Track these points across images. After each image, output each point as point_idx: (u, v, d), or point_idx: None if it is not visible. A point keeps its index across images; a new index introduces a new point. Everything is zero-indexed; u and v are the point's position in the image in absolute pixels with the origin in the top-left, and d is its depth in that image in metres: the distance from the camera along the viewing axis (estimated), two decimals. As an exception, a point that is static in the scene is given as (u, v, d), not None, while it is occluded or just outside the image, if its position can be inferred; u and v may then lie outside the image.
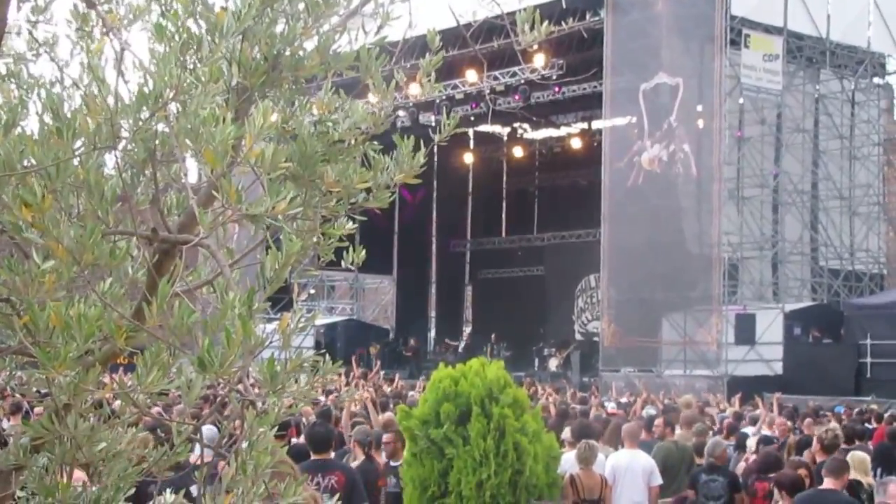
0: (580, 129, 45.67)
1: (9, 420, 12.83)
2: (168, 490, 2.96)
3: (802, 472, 10.69)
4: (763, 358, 31.17)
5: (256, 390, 2.72)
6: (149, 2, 2.96)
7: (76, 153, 2.64)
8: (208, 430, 6.41)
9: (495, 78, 37.87)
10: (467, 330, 49.18)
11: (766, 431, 16.58)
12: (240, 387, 2.68)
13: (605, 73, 34.49)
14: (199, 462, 2.85)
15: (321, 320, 40.38)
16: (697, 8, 32.16)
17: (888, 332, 29.28)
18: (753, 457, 13.71)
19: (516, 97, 37.81)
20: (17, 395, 11.54)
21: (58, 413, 2.65)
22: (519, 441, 9.39)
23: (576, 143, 45.31)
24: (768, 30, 32.96)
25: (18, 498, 2.75)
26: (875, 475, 12.26)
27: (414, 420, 9.65)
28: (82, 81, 2.86)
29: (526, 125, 46.56)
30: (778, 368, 30.91)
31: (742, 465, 13.51)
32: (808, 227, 35.37)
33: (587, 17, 34.07)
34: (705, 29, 32.16)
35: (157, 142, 2.78)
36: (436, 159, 43.24)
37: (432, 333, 50.26)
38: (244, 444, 2.69)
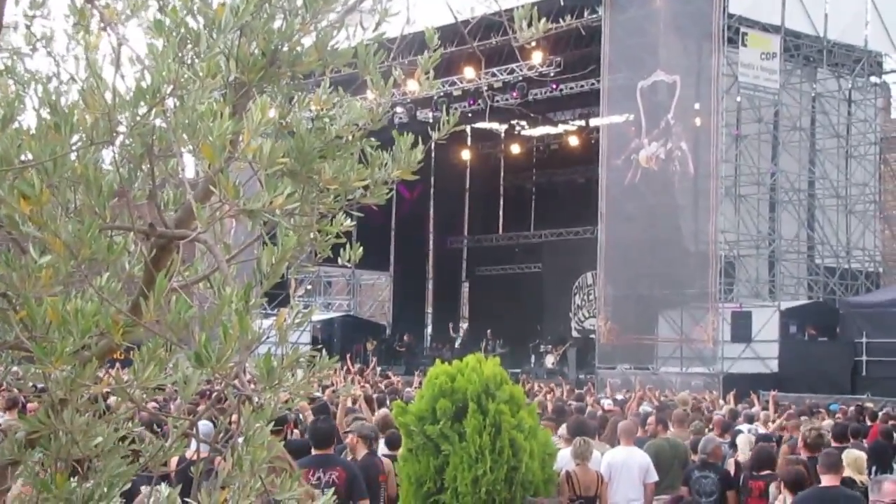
0: (578, 127, 45.71)
1: (4, 414, 12.82)
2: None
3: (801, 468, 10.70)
4: (759, 356, 31.21)
5: (253, 386, 2.72)
6: (147, -3, 2.96)
7: (73, 148, 2.64)
8: (204, 425, 6.41)
9: (493, 75, 37.88)
10: (464, 326, 49.21)
11: (761, 429, 16.61)
12: (236, 382, 2.68)
13: (603, 70, 34.48)
14: (195, 457, 2.85)
15: (318, 316, 40.41)
16: (695, 5, 32.16)
17: (884, 331, 29.34)
18: (741, 455, 13.73)
19: (514, 94, 37.80)
20: (14, 390, 11.55)
21: (54, 408, 2.65)
22: (515, 437, 9.39)
23: (573, 141, 45.32)
24: (766, 28, 32.98)
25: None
26: (870, 473, 12.27)
27: (410, 416, 9.64)
28: (79, 76, 2.85)
29: (523, 122, 46.59)
30: (774, 366, 30.94)
31: (731, 461, 13.53)
32: (805, 225, 35.39)
33: (585, 14, 34.04)
34: (703, 27, 32.16)
35: (154, 137, 2.78)
36: (433, 156, 43.25)
37: (429, 330, 50.30)
38: (240, 440, 2.69)
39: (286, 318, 2.77)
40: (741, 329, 31.44)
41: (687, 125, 33.16)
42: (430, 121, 39.18)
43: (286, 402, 2.84)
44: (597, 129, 38.97)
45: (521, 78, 37.25)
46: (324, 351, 3.06)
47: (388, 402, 16.33)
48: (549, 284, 46.02)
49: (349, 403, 15.05)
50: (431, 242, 51.26)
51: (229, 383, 2.70)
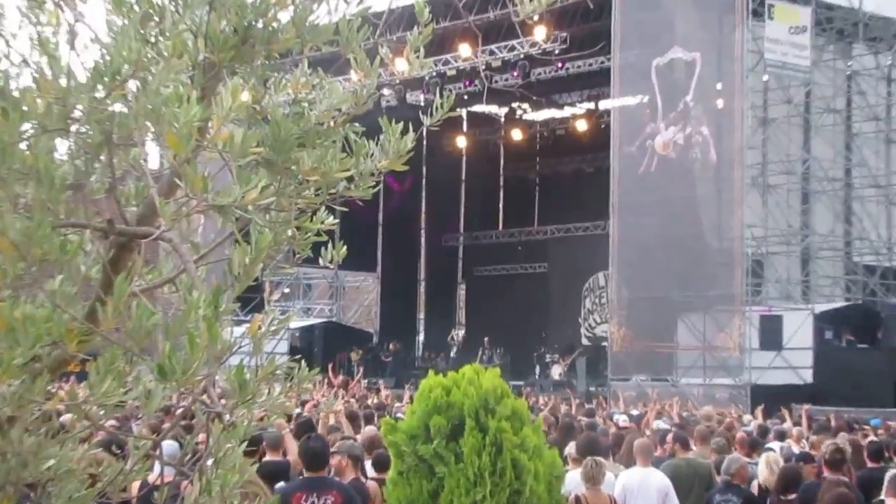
0: (586, 110, 45.70)
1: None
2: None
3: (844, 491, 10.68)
4: (791, 365, 31.21)
5: (223, 401, 2.72)
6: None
7: (24, 136, 2.64)
8: (169, 445, 6.42)
9: (491, 52, 37.87)
10: (460, 334, 49.20)
11: (794, 448, 16.60)
12: (205, 397, 2.69)
13: (614, 47, 34.46)
14: (159, 482, 2.86)
15: (296, 323, 40.35)
16: (716, -26, 32.24)
17: (930, 336, 29.40)
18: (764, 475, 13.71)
19: (514, 74, 37.79)
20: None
21: (1, 427, 2.65)
22: (518, 458, 9.39)
23: (581, 126, 45.31)
24: (795, -1, 33.02)
25: None
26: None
27: (400, 434, 9.63)
28: (32, 58, 2.85)
29: (525, 105, 46.52)
30: (807, 376, 30.95)
31: (755, 483, 13.52)
32: (841, 218, 35.42)
33: (594, -16, 34.04)
34: (725, -3, 32.22)
35: (114, 124, 2.78)
36: (425, 143, 43.22)
37: (421, 337, 50.29)
38: (210, 462, 2.70)
39: (261, 325, 2.78)
40: (771, 335, 31.43)
41: (708, 107, 33.17)
42: (422, 105, 39.23)
43: (261, 419, 2.84)
44: (607, 112, 38.96)
45: (522, 56, 37.24)
46: (303, 362, 3.06)
47: (375, 418, 16.31)
48: (555, 286, 46.03)
49: (331, 420, 15.06)
50: (423, 240, 51.24)
51: (197, 398, 2.70)
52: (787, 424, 20.42)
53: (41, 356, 2.62)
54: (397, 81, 36.95)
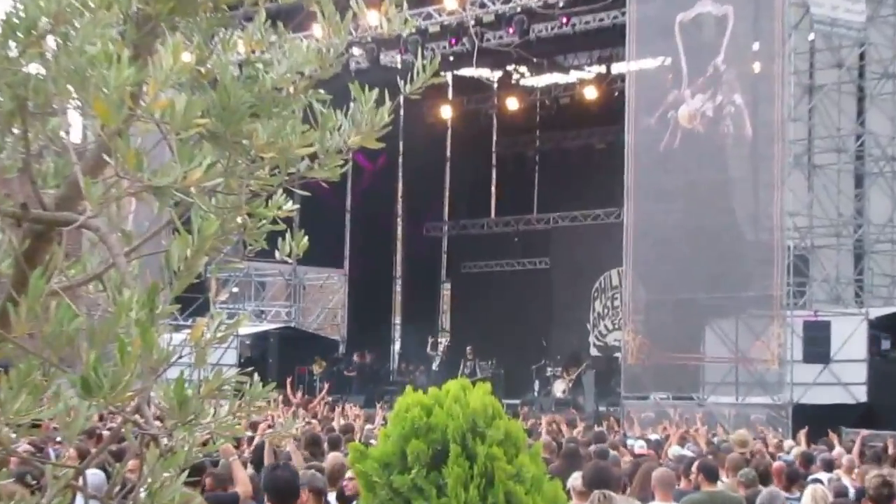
0: (596, 74, 45.70)
1: None
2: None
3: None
4: (840, 380, 31.29)
5: (160, 422, 2.73)
6: None
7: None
8: (95, 475, 6.42)
9: (482, 5, 37.85)
10: (444, 342, 49.22)
11: (845, 480, 16.64)
12: (137, 417, 2.69)
13: (630, -2, 34.55)
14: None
15: (247, 328, 40.34)
16: (753, -88, 32.27)
17: None
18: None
19: (510, 31, 37.78)
20: None
21: None
22: (512, 491, 9.41)
23: (590, 93, 45.34)
24: (848, -58, 33.06)
25: None
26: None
27: (371, 462, 9.65)
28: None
29: (523, 68, 46.51)
30: (860, 394, 31.04)
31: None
32: (902, 205, 35.49)
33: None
34: (763, -60, 32.26)
35: (29, 88, 2.78)
36: (402, 114, 43.15)
37: (396, 347, 50.30)
38: (143, 494, 2.70)
39: (205, 330, 2.78)
40: (816, 345, 31.49)
41: (742, 72, 33.20)
42: (399, 67, 39.17)
43: (205, 443, 2.85)
44: (622, 77, 38.95)
45: (519, 9, 37.22)
46: (255, 375, 3.07)
47: (341, 443, 16.31)
48: (559, 286, 46.06)
49: (286, 447, 15.05)
50: (400, 230, 51.25)
51: (128, 419, 2.71)
52: (836, 452, 20.45)
53: (-60, 367, 2.63)
54: (369, 39, 36.91)
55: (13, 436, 2.77)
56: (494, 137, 51.24)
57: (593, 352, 44.20)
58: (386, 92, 3.16)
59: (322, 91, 3.09)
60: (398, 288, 51.42)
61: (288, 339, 44.43)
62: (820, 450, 20.86)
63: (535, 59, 44.57)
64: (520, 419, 19.75)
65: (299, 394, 29.37)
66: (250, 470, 14.10)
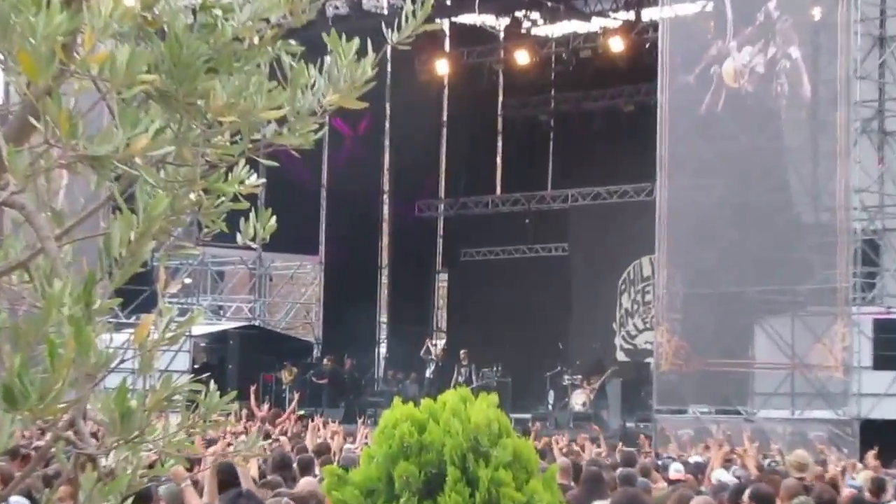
0: (623, 22, 45.72)
1: None
2: None
3: None
4: (917, 391, 31.37)
5: (97, 440, 2.74)
6: None
7: None
8: (18, 502, 6.47)
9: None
10: (439, 345, 49.22)
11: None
12: (71, 433, 2.70)
13: (665, -71, 34.57)
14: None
15: (203, 327, 40.36)
16: None
17: None
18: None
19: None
20: None
21: None
22: (522, 524, 9.45)
23: (616, 45, 45.33)
24: None
25: None
26: None
27: (351, 490, 9.69)
28: None
29: (535, 15, 46.57)
30: (942, 408, 31.10)
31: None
32: None
33: None
34: None
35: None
36: (389, 69, 43.14)
37: (382, 350, 50.30)
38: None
39: (152, 330, 2.79)
40: (889, 348, 31.51)
41: (800, 20, 33.19)
42: (385, 13, 39.17)
43: (151, 466, 2.86)
44: (654, 25, 38.98)
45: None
46: (213, 383, 3.07)
47: (315, 466, 16.33)
48: (578, 277, 46.08)
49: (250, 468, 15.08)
50: (387, 210, 51.21)
51: (60, 435, 2.72)
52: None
53: None
54: (350, -21, 36.97)
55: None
56: (500, 98, 51.20)
57: (620, 356, 44.23)
58: (369, 42, 3.17)
59: (293, 42, 3.09)
60: (384, 279, 51.41)
61: (251, 340, 44.50)
62: (893, 474, 20.89)
63: (549, 3, 44.54)
64: (531, 437, 19.81)
65: (265, 406, 29.35)
66: (206, 498, 14.14)
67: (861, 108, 32.48)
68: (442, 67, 49.48)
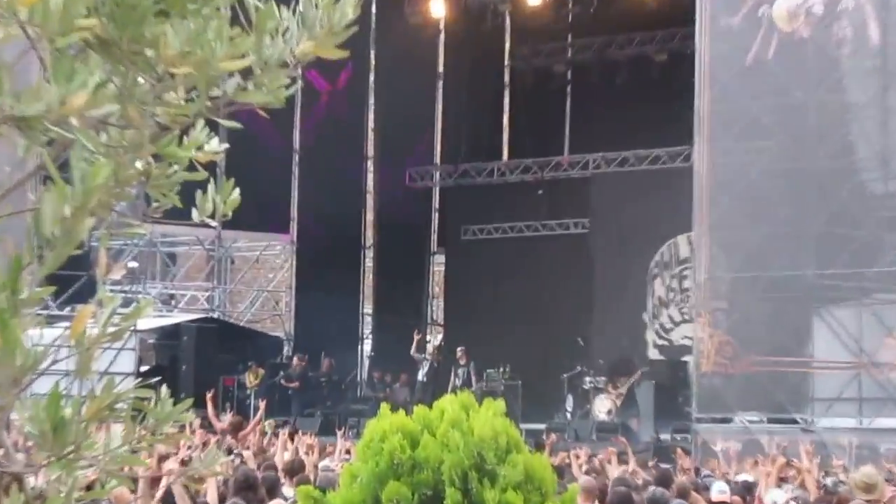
0: (655, -45, 45.85)
1: None
2: None
3: None
4: None
5: (25, 455, 2.74)
6: None
7: None
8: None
9: None
10: (435, 341, 49.30)
11: None
12: (-5, 449, 2.70)
13: None
14: None
15: (152, 321, 40.41)
16: None
17: None
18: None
19: None
20: None
21: None
22: (535, 554, 9.49)
23: (646, -19, 45.51)
24: None
25: None
26: None
27: (331, 514, 9.72)
28: None
29: (550, -53, 46.64)
30: None
31: None
32: None
33: None
34: None
35: None
36: (374, 12, 43.19)
37: (366, 347, 50.40)
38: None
39: (90, 323, 2.79)
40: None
41: (866, -47, 33.25)
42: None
43: (90, 486, 2.86)
44: (690, -41, 39.08)
45: None
46: (164, 388, 3.07)
47: (279, 487, 16.38)
48: (602, 260, 46.19)
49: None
50: (372, 179, 51.25)
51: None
52: None
53: None
54: None
55: None
56: (507, 45, 51.26)
57: (652, 354, 44.36)
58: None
59: (259, -21, 3.09)
60: (369, 262, 51.44)
61: (210, 335, 44.50)
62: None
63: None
64: (546, 452, 19.89)
65: (226, 415, 29.44)
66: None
67: (938, 59, 32.63)
68: (437, 8, 49.46)
